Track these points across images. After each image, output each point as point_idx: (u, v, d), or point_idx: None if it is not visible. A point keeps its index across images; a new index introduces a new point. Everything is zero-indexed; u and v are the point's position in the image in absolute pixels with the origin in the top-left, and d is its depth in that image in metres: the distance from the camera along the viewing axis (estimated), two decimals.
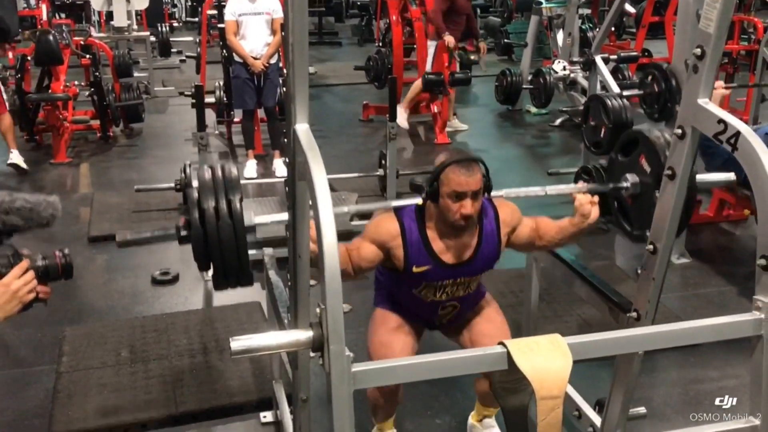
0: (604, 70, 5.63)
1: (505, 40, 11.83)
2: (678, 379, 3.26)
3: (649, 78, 4.48)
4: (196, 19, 11.73)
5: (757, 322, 1.72)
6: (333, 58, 12.66)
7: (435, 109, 7.36)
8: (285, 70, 1.81)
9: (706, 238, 4.85)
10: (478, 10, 12.91)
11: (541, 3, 8.34)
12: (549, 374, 1.53)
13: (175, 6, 16.61)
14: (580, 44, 7.91)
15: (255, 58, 5.95)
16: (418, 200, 2.35)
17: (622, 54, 6.71)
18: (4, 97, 6.24)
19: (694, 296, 4.06)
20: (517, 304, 3.46)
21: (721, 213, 4.94)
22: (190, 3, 15.98)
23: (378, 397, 2.48)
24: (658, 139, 2.33)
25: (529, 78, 8.08)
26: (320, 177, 1.50)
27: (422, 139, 7.61)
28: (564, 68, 7.33)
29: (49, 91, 6.67)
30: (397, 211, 2.38)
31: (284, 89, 2.88)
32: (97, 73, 7.14)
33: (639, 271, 2.12)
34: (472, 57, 8.05)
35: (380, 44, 8.86)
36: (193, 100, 5.48)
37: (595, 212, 2.31)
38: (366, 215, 3.16)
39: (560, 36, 7.90)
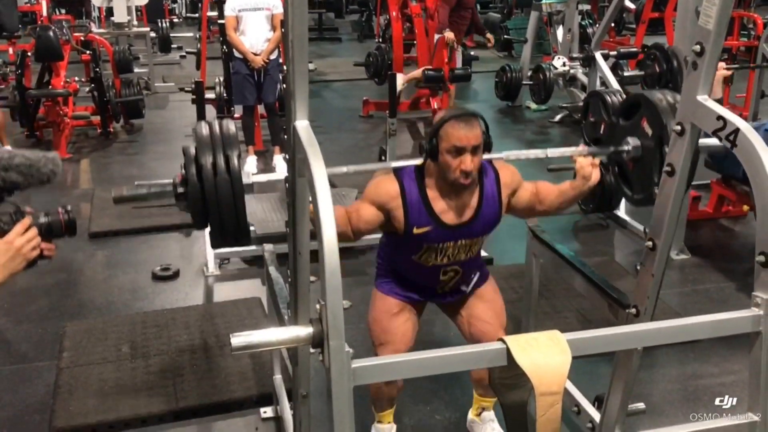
0: (604, 66, 5.62)
1: (505, 36, 11.83)
2: (677, 374, 3.27)
3: (651, 59, 4.46)
4: (196, 15, 11.71)
5: (755, 319, 1.72)
6: (333, 54, 12.65)
7: (435, 105, 7.36)
8: (285, 67, 1.81)
9: (706, 234, 4.86)
10: (478, 6, 12.91)
11: None
12: (548, 370, 1.54)
13: (175, 2, 16.57)
14: (579, 40, 7.90)
15: (255, 54, 5.95)
16: (419, 161, 2.31)
17: (621, 50, 6.70)
18: None
19: (693, 292, 4.07)
20: (516, 300, 3.46)
21: (720, 209, 4.94)
22: None
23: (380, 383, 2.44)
24: (660, 101, 2.30)
25: (529, 74, 8.06)
26: (320, 174, 1.50)
27: (422, 135, 7.61)
28: (564, 64, 7.32)
29: (50, 87, 6.67)
30: (397, 171, 2.34)
31: (284, 85, 2.88)
32: (98, 69, 7.14)
33: (638, 267, 2.12)
34: (475, 51, 8.18)
35: (380, 40, 8.87)
36: (194, 96, 5.48)
37: (596, 174, 2.31)
38: None
39: (560, 32, 7.89)
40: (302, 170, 1.65)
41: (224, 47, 6.59)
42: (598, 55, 5.63)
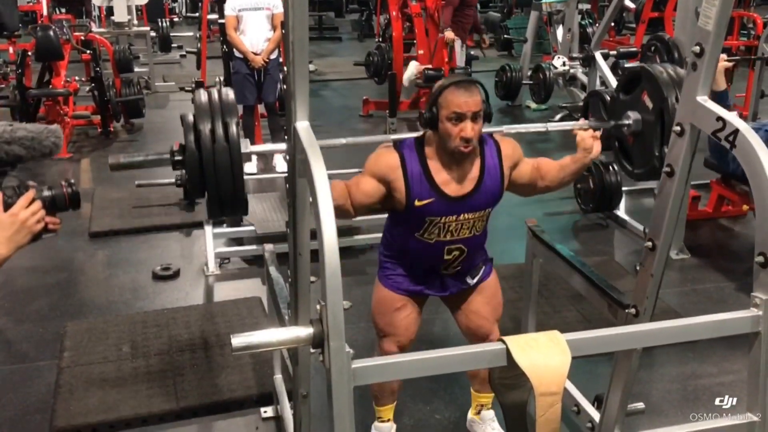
0: (604, 65, 5.63)
1: (505, 36, 11.83)
2: (676, 374, 3.27)
3: (652, 49, 4.46)
4: (197, 15, 11.71)
5: (755, 319, 1.73)
6: (333, 53, 12.65)
7: None
8: (285, 67, 1.81)
9: (705, 234, 4.86)
10: (478, 5, 12.92)
11: None
12: (548, 371, 1.54)
13: (175, 1, 16.58)
14: (579, 40, 7.91)
15: (255, 54, 5.95)
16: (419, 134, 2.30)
17: (621, 50, 6.70)
18: None
19: (693, 292, 4.07)
20: (516, 300, 3.46)
21: (719, 209, 4.94)
22: None
23: None
24: (661, 74, 2.29)
25: (529, 73, 8.07)
26: (320, 175, 1.50)
27: None
28: (564, 64, 7.33)
29: (50, 86, 6.68)
30: (397, 143, 2.32)
31: (284, 86, 2.88)
32: (98, 69, 7.14)
33: (638, 267, 2.13)
34: (474, 50, 8.18)
35: (380, 40, 8.86)
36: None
37: (597, 147, 2.31)
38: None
39: (560, 32, 7.90)
40: (302, 170, 1.65)
41: (224, 47, 6.60)
42: (598, 55, 5.64)
